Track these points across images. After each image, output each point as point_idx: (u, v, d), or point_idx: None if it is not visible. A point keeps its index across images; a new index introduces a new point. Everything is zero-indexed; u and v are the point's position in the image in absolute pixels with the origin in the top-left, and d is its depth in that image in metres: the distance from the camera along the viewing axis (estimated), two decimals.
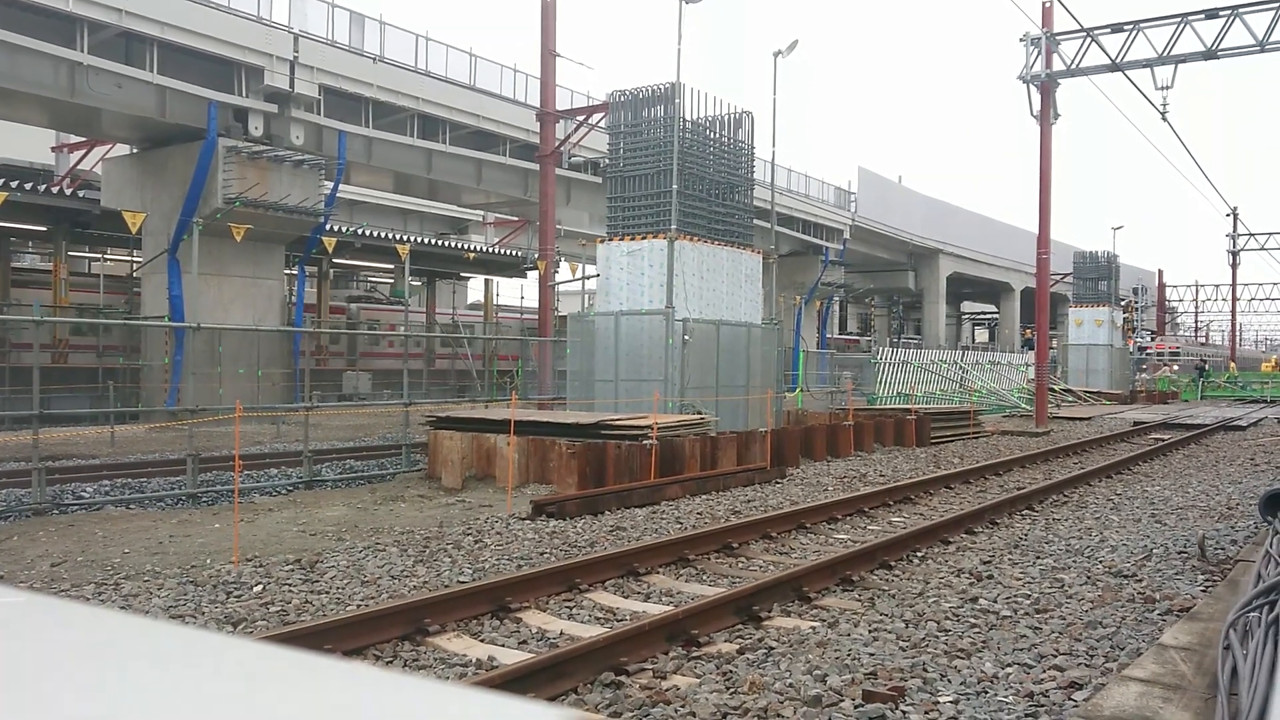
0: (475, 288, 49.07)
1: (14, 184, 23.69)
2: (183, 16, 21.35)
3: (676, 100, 16.29)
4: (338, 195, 26.34)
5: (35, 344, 11.78)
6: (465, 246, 37.46)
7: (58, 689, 0.68)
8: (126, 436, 19.18)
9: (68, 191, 25.77)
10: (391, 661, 5.86)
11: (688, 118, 16.60)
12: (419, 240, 33.91)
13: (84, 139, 26.88)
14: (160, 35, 21.06)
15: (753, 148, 18.25)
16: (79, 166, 28.05)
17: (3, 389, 23.22)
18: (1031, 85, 25.65)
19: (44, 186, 25.12)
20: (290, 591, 7.26)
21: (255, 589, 7.32)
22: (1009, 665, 5.59)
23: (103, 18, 20.08)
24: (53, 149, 29.93)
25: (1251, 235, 56.84)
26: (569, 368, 17.62)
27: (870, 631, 6.32)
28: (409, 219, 43.68)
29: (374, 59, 26.37)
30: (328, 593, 7.25)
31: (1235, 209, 55.23)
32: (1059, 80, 25.69)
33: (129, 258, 31.12)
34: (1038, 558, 8.88)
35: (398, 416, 18.46)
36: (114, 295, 30.79)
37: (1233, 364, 59.92)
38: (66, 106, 21.15)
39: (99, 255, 34.68)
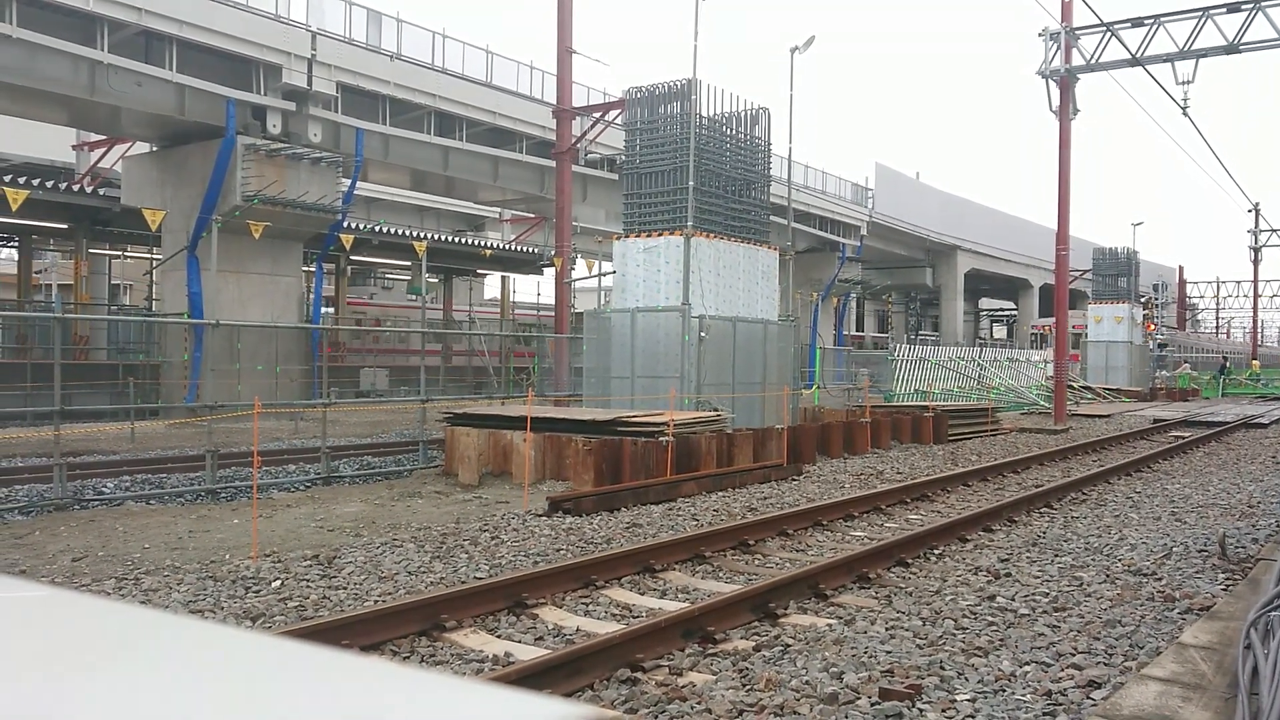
0: (492, 284, 49.17)
1: (35, 182, 23.91)
2: (202, 15, 21.47)
3: (693, 97, 16.26)
4: (355, 192, 26.44)
5: (56, 340, 11.86)
6: (482, 243, 37.56)
7: (79, 682, 0.69)
8: (146, 432, 19.33)
9: (88, 189, 25.96)
10: (408, 657, 5.88)
11: (704, 114, 16.57)
12: (436, 237, 34.01)
13: (104, 137, 27.07)
14: (179, 34, 21.19)
15: (769, 144, 18.21)
16: (99, 164, 28.26)
17: (25, 385, 23.43)
18: (1051, 80, 25.49)
19: (65, 184, 25.32)
20: (308, 587, 7.30)
21: (274, 584, 7.36)
22: (1027, 664, 5.56)
23: (123, 16, 20.21)
24: (73, 147, 30.18)
25: (1274, 231, 56.28)
26: (585, 364, 17.64)
27: (887, 629, 6.30)
28: (426, 216, 43.81)
29: (391, 57, 26.46)
30: (345, 588, 7.29)
31: (1257, 204, 54.73)
32: (1078, 75, 25.52)
33: (149, 255, 31.35)
34: (1056, 556, 8.83)
35: (414, 413, 18.53)
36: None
37: (1255, 362, 59.38)
38: (87, 105, 21.32)
39: (119, 253, 34.96)
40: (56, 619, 0.85)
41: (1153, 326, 45.53)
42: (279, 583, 7.41)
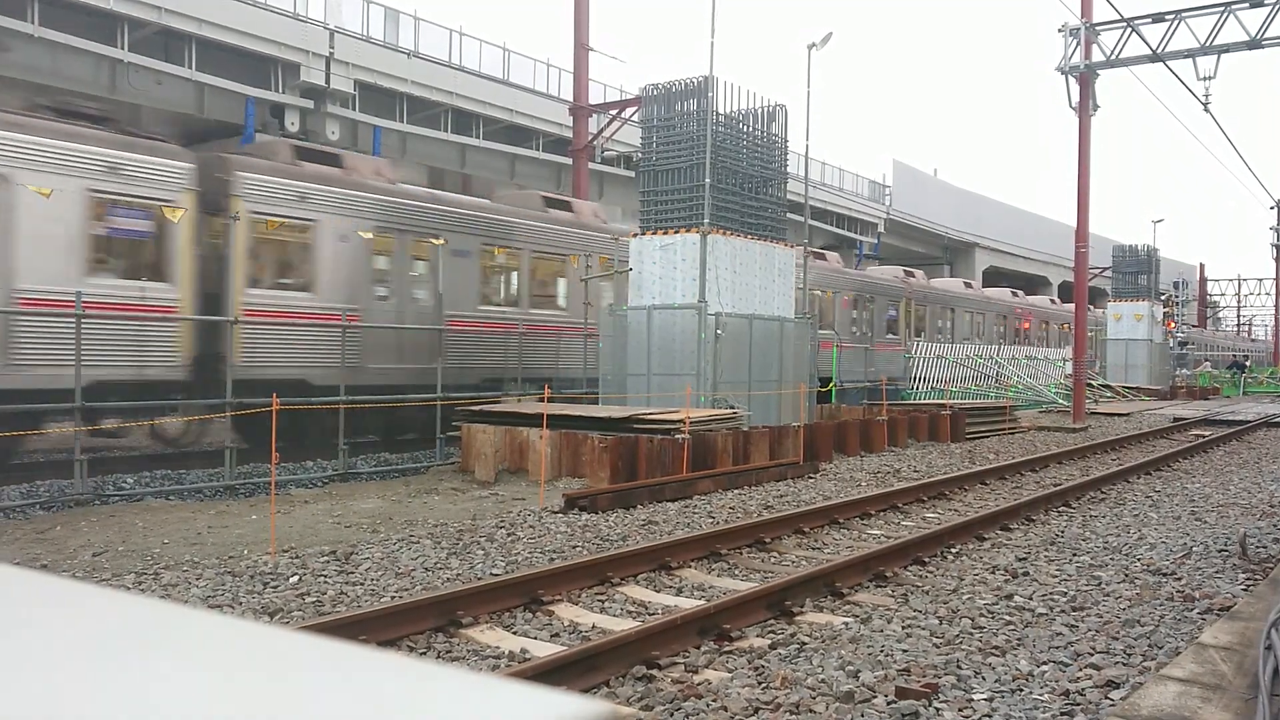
0: None
1: None
2: (221, 14, 21.61)
3: (709, 94, 16.23)
4: None
5: (77, 337, 11.92)
6: None
7: (98, 676, 0.69)
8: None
9: None
10: (425, 653, 5.90)
11: (721, 111, 16.53)
12: None
13: None
14: (199, 32, 21.33)
15: (786, 141, 18.16)
16: None
17: None
18: (1070, 76, 25.31)
19: None
20: (326, 583, 7.34)
21: (291, 580, 7.41)
22: (1044, 663, 5.53)
23: (143, 15, 20.36)
24: None
25: None
26: (601, 362, 17.64)
27: (903, 628, 6.28)
28: None
29: (408, 55, 26.53)
30: (362, 584, 7.32)
31: (1279, 201, 54.18)
32: (1098, 71, 25.33)
33: None
34: (1074, 555, 8.78)
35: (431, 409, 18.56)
36: None
37: None
38: (107, 103, 21.46)
39: None
40: (77, 613, 0.85)
41: (1173, 325, 45.01)
42: (297, 578, 7.45)
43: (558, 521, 10.01)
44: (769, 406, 16.90)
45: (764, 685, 5.14)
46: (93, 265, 13.35)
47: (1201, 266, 76.76)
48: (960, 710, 4.77)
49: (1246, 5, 22.83)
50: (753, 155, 17.37)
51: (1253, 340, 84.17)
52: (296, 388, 14.75)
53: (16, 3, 18.75)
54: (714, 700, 4.89)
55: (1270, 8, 22.47)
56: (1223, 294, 79.95)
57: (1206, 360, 54.47)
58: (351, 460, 15.08)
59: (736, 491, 12.49)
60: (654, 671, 5.42)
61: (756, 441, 14.63)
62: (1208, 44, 23.45)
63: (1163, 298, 44.09)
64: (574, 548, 8.76)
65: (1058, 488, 12.74)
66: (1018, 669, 5.41)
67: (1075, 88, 25.32)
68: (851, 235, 44.97)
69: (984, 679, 5.24)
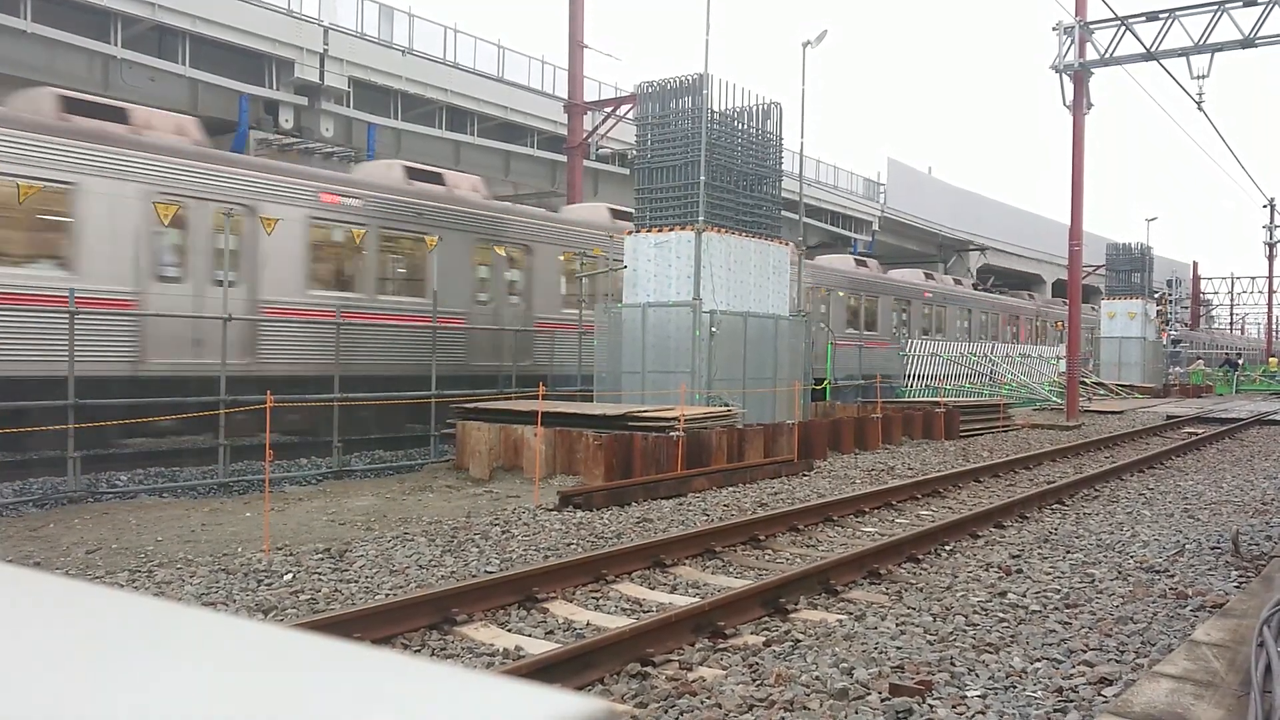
0: None
1: None
2: (215, 10, 21.56)
3: (704, 91, 16.22)
4: None
5: (70, 335, 11.89)
6: None
7: (92, 675, 0.69)
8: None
9: None
10: (419, 650, 5.90)
11: (716, 109, 16.52)
12: None
13: None
14: (192, 29, 21.28)
15: (781, 139, 18.15)
16: None
17: None
18: (1064, 75, 25.33)
19: None
20: (320, 580, 7.33)
21: (285, 577, 7.40)
22: (1038, 660, 5.55)
23: (136, 11, 20.31)
24: None
25: None
26: (596, 359, 17.63)
27: (897, 625, 6.29)
28: None
29: (403, 52, 26.50)
30: (357, 582, 7.31)
31: (1273, 199, 54.37)
32: (1092, 70, 25.36)
33: None
34: (1068, 552, 8.81)
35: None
36: None
37: (1273, 359, 58.98)
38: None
39: None
40: (70, 611, 0.85)
41: (1165, 327, 45.07)
42: (291, 576, 7.44)
43: (552, 519, 10.01)
44: (764, 404, 16.90)
45: (758, 683, 5.15)
46: (310, 279, 15.64)
47: (1195, 264, 76.90)
48: (954, 707, 4.78)
49: (1240, 4, 22.87)
50: (748, 153, 17.35)
51: (1246, 337, 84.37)
52: (418, 382, 16.34)
53: None
54: (708, 698, 4.89)
55: (1264, 7, 22.51)
56: (1215, 292, 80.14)
57: (1199, 358, 54.60)
58: (346, 458, 15.07)
59: (731, 489, 12.50)
60: (649, 669, 5.42)
61: (751, 439, 14.64)
62: (1201, 43, 23.49)
63: (1156, 296, 44.16)
64: (569, 545, 8.76)
65: (1051, 485, 12.77)
66: (1011, 666, 5.42)
67: (1069, 86, 25.35)
68: (846, 233, 44.99)
69: (978, 676, 5.26)
